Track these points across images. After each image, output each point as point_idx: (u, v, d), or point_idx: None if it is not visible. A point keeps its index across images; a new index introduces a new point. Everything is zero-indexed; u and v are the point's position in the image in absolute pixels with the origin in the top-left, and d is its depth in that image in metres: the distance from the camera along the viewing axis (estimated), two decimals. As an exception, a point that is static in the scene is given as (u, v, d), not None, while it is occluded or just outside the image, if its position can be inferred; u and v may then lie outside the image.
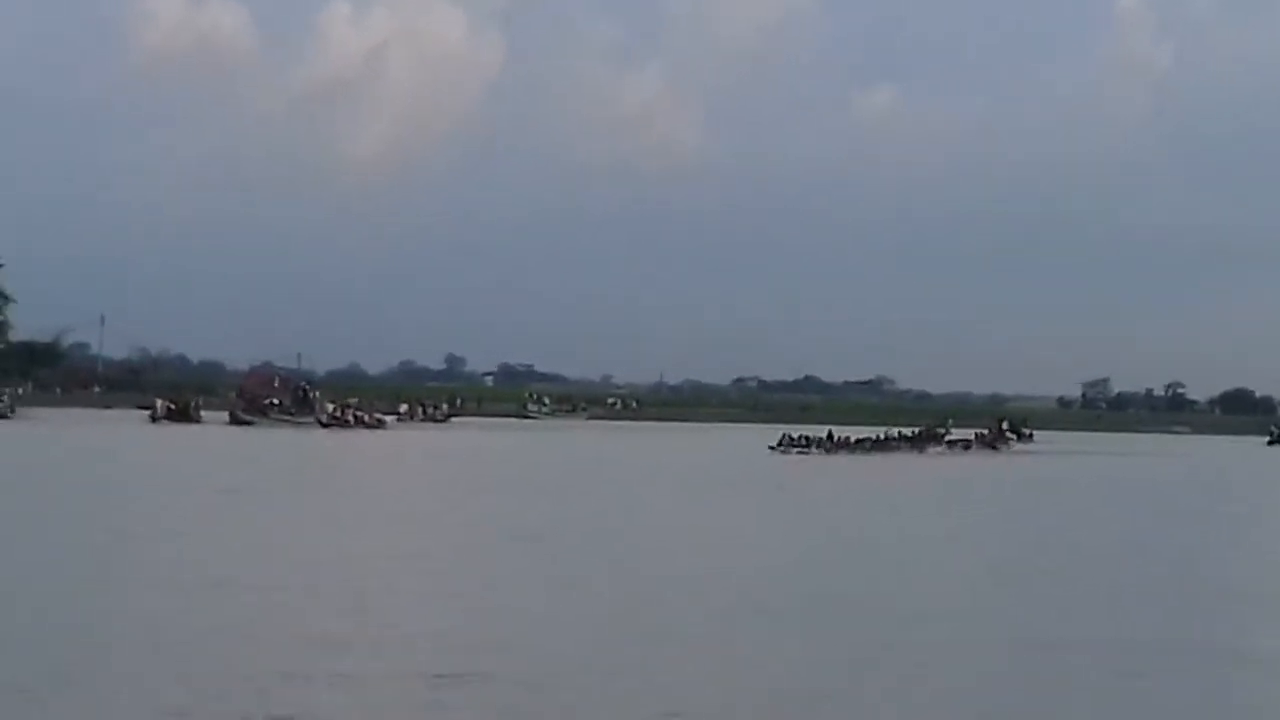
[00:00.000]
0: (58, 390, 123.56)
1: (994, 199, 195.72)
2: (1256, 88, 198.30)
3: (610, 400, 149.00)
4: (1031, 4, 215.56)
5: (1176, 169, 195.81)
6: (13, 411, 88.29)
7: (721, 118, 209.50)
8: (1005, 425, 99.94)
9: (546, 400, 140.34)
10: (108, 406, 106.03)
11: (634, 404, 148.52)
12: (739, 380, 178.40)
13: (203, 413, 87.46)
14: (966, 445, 74.19)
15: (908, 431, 72.79)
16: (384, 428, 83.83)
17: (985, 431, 77.76)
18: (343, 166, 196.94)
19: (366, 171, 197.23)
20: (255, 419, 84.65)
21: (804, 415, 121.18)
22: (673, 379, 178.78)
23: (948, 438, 74.18)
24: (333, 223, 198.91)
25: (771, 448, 66.28)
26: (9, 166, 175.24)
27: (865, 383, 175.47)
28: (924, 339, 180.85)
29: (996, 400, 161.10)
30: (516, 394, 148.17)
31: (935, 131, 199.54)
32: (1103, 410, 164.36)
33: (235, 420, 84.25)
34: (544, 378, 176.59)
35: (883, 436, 71.00)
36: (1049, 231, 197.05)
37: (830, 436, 69.14)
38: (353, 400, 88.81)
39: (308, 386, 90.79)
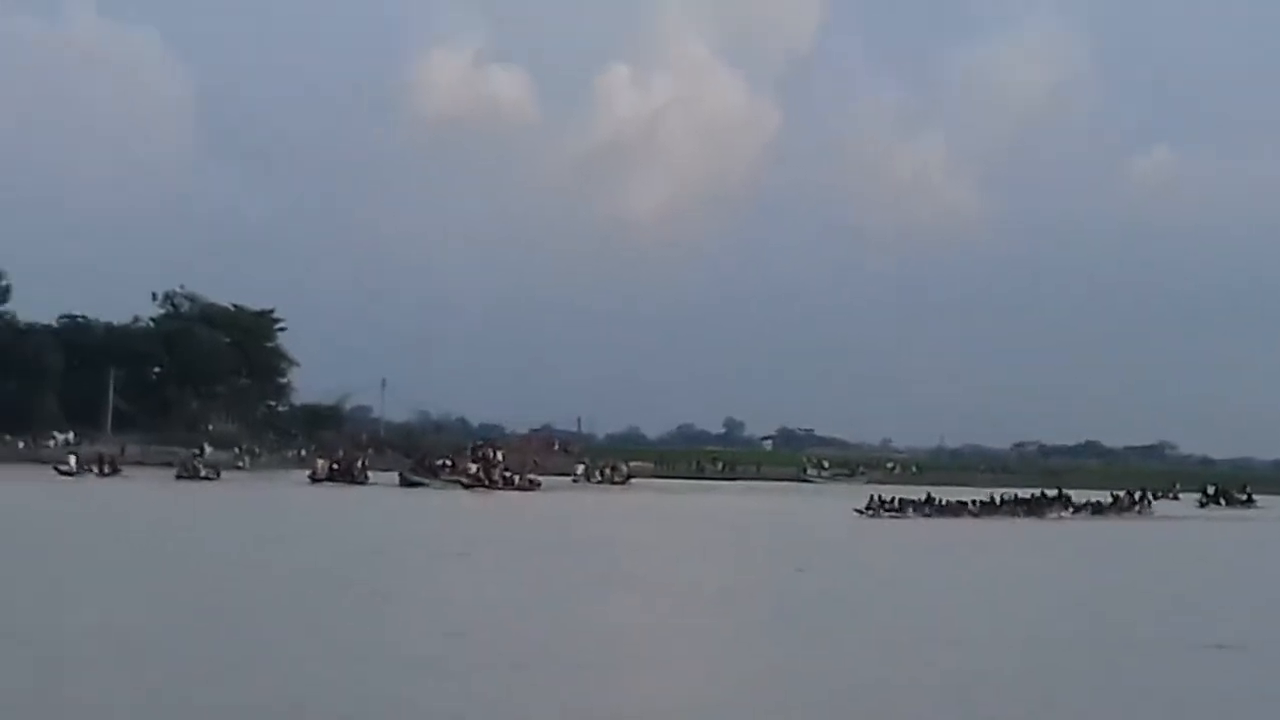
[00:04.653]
0: (340, 452, 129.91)
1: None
2: None
3: (889, 464, 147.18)
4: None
5: None
6: (218, 475, 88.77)
7: (998, 181, 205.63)
8: (1212, 490, 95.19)
9: (825, 464, 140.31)
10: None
11: (913, 468, 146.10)
12: (1019, 445, 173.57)
13: (369, 473, 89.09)
14: (1096, 509, 70.65)
15: (1024, 494, 69.94)
16: (537, 489, 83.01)
17: (1120, 495, 73.78)
18: (621, 230, 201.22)
19: (645, 234, 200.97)
20: (426, 480, 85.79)
21: (1072, 480, 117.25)
22: (953, 443, 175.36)
23: (1073, 502, 70.80)
24: (612, 285, 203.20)
25: (859, 511, 64.65)
26: (283, 221, 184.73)
27: (1147, 448, 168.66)
28: (1209, 403, 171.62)
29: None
30: (795, 458, 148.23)
31: (1216, 192, 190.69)
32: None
33: (405, 481, 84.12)
34: (823, 441, 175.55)
35: (996, 500, 68.46)
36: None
37: (929, 499, 66.88)
38: (500, 458, 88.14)
39: (480, 444, 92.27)
